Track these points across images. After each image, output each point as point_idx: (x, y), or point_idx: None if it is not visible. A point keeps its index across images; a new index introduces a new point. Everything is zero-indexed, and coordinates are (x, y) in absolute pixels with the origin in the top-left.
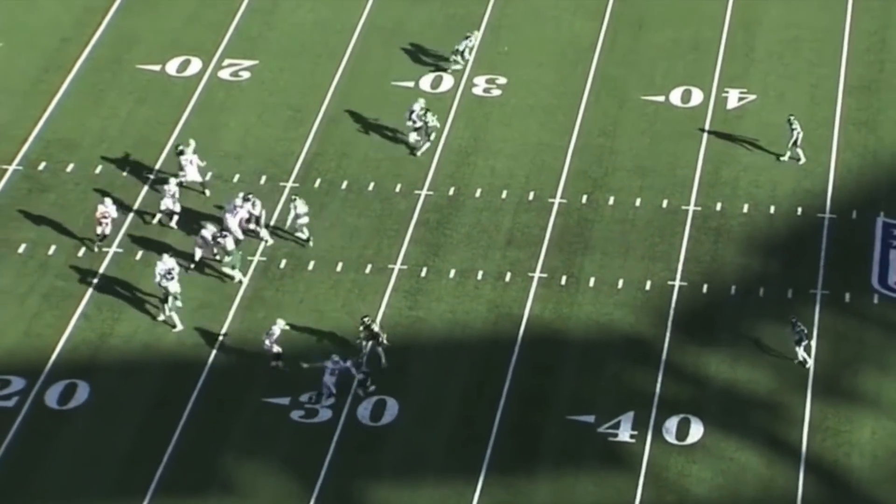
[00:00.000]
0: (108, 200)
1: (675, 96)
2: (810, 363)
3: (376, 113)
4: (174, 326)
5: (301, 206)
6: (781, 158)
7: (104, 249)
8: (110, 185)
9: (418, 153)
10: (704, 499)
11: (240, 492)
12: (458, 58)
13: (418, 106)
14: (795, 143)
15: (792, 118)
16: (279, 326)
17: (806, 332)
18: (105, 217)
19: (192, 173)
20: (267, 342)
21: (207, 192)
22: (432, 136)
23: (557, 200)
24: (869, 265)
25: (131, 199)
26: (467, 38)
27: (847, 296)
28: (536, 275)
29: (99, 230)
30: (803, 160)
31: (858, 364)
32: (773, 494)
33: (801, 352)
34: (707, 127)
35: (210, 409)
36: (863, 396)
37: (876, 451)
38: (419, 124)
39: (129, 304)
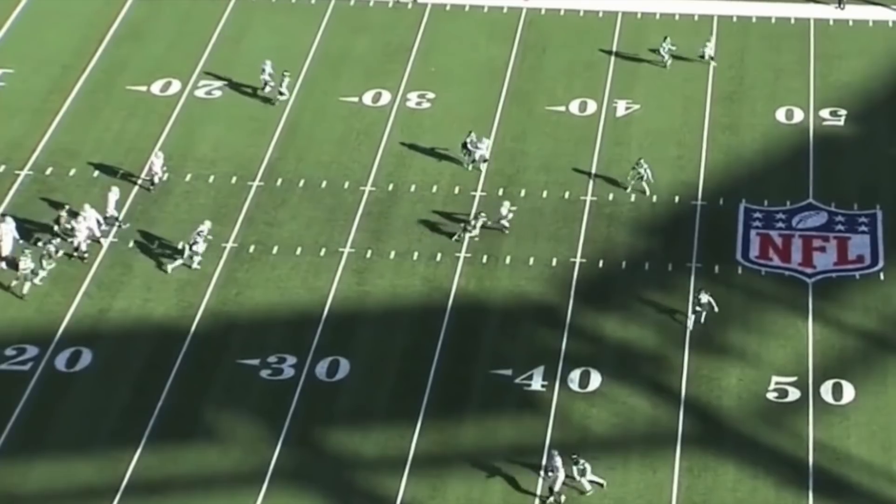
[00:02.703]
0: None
1: (574, 107)
2: (690, 325)
3: (326, 124)
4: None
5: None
6: (627, 190)
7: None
8: (105, 187)
9: (468, 167)
10: (603, 436)
11: (219, 438)
12: (466, 156)
13: (473, 136)
14: (644, 179)
15: (641, 160)
16: (206, 226)
17: (705, 303)
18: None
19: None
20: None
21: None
22: (480, 162)
23: (479, 193)
24: (734, 243)
25: (124, 196)
26: (472, 138)
27: (716, 268)
28: (462, 255)
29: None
30: (648, 193)
31: (726, 324)
32: (658, 431)
33: (691, 318)
34: (600, 132)
35: (192, 370)
36: (730, 350)
37: (741, 393)
38: (471, 150)
39: (124, 285)
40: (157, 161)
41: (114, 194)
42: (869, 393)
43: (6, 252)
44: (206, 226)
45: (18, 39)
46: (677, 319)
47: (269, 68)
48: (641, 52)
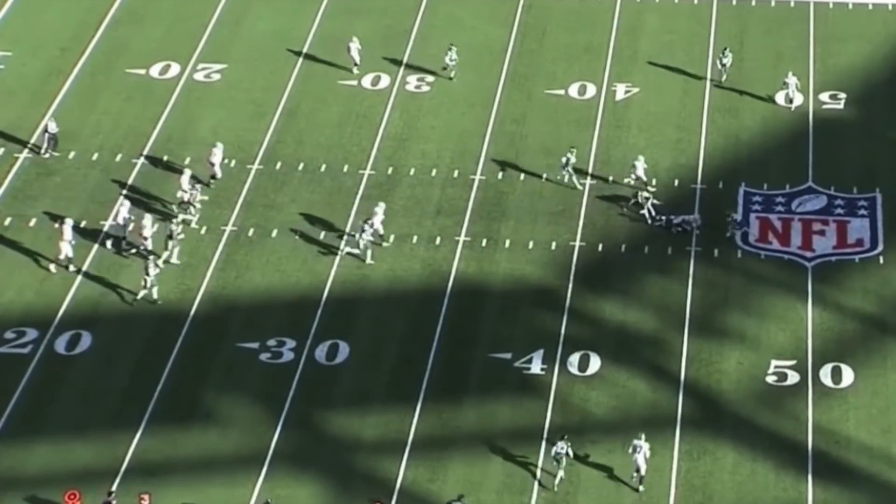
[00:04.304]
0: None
1: (573, 90)
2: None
3: (326, 107)
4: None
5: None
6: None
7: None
8: (105, 169)
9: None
10: (602, 419)
11: (219, 422)
12: (565, 172)
13: (571, 155)
14: (564, 167)
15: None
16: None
17: (738, 219)
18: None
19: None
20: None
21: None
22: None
23: (478, 177)
24: (739, 233)
25: (124, 179)
26: (569, 153)
27: (716, 252)
28: (462, 238)
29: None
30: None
31: (725, 307)
32: (658, 414)
33: (738, 234)
34: (599, 115)
35: (192, 353)
36: (729, 333)
37: (740, 377)
38: (568, 171)
39: (124, 267)
40: (217, 153)
41: (186, 177)
42: (868, 376)
43: (69, 253)
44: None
45: (17, 22)
46: (676, 302)
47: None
48: (641, 37)
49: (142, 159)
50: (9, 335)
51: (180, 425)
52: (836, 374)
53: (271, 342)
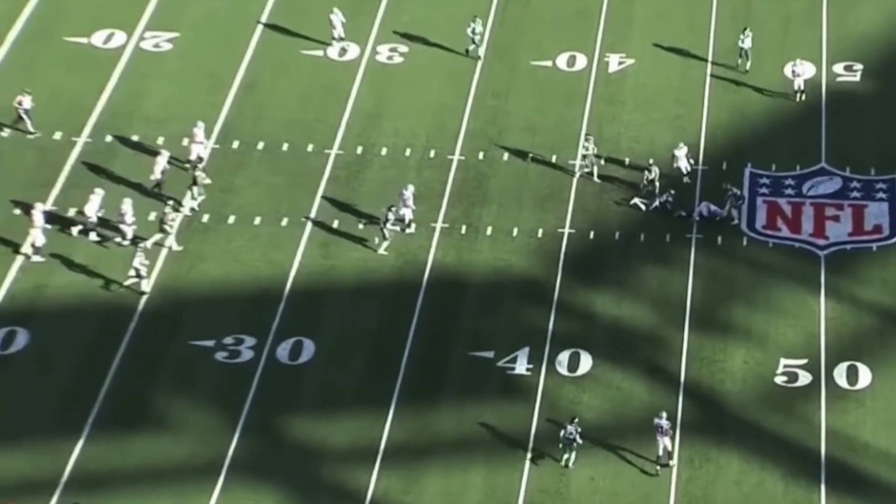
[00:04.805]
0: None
1: (562, 61)
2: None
3: (288, 80)
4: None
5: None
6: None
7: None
8: (42, 148)
9: (588, 175)
10: (594, 423)
11: (170, 427)
12: (583, 161)
13: (589, 144)
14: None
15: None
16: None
17: (739, 193)
18: None
19: None
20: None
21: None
22: (593, 168)
23: (456, 157)
24: (739, 211)
25: (62, 159)
26: (586, 142)
27: (719, 239)
28: (439, 225)
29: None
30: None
31: (730, 300)
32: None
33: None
34: (590, 89)
35: (141, 352)
36: (734, 329)
37: (746, 377)
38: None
39: (65, 256)
40: (198, 133)
41: (163, 158)
42: (887, 377)
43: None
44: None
45: None
46: (676, 295)
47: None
48: (635, 2)
49: (84, 137)
50: None
51: (128, 431)
52: (852, 374)
53: (228, 340)
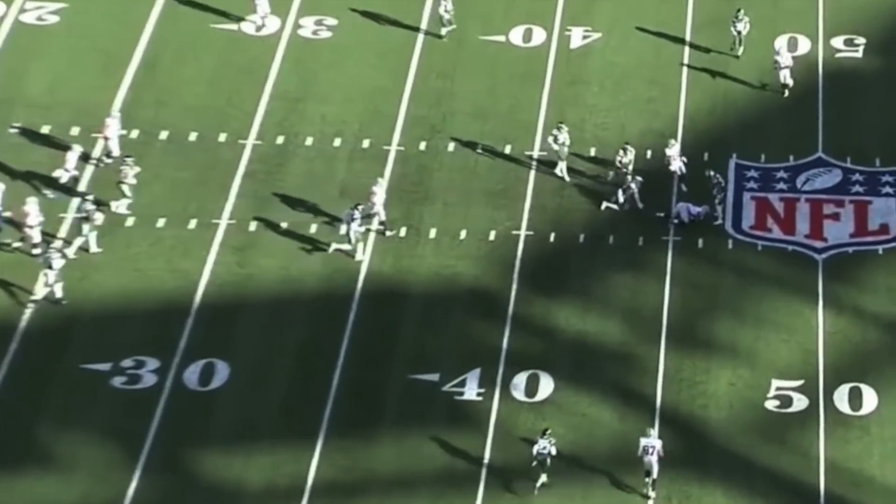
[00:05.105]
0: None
1: (516, 36)
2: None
3: (196, 58)
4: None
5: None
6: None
7: None
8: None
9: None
10: (556, 457)
11: (59, 465)
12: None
13: (562, 134)
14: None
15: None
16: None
17: (722, 184)
18: None
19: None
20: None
21: None
22: (562, 160)
23: (394, 148)
24: (723, 209)
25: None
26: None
27: (700, 241)
28: (374, 227)
29: None
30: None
31: (713, 312)
32: (627, 448)
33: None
34: (550, 68)
35: (22, 377)
36: (718, 346)
37: (732, 402)
38: (556, 147)
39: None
40: (112, 124)
41: (74, 153)
42: (895, 400)
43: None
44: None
45: None
46: (651, 307)
47: None
48: None
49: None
50: None
51: (9, 471)
52: (855, 398)
53: (127, 362)
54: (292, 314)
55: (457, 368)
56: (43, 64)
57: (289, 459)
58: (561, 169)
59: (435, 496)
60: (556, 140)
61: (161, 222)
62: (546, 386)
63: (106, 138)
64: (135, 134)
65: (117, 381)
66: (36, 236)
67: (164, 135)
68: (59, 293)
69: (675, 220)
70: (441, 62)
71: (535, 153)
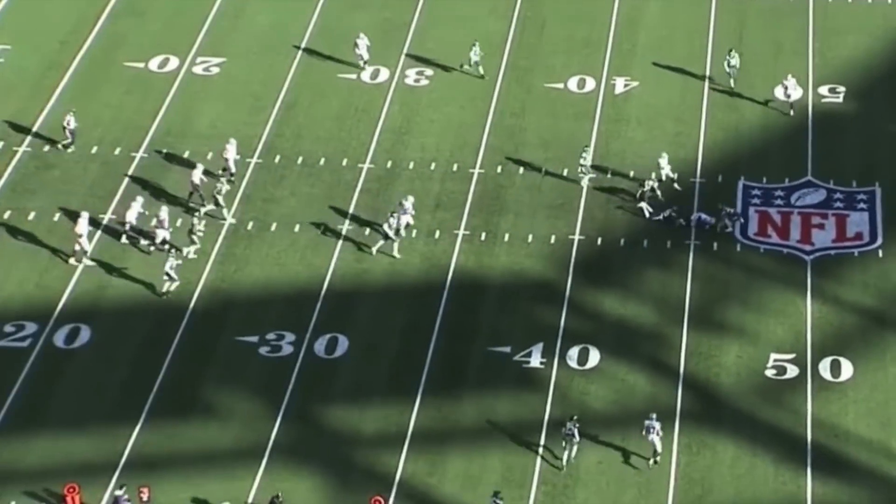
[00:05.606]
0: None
1: (573, 83)
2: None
3: (325, 100)
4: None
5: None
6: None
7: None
8: (105, 163)
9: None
10: (601, 413)
11: (218, 415)
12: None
13: (588, 156)
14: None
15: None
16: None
17: (732, 211)
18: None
19: None
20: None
21: None
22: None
23: (477, 171)
24: (734, 224)
25: (122, 172)
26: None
27: (715, 245)
28: (461, 232)
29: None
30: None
31: (725, 301)
32: (657, 407)
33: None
34: (598, 108)
35: (191, 347)
36: (729, 327)
37: (739, 370)
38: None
39: (123, 261)
40: (230, 149)
41: (198, 171)
42: (867, 370)
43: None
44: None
45: (16, 15)
46: (676, 296)
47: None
48: (639, 30)
49: (141, 152)
50: (8, 328)
51: (180, 419)
52: (836, 368)
53: (270, 336)
54: (397, 300)
55: (524, 342)
56: (207, 105)
57: (394, 413)
58: (584, 182)
59: (505, 441)
60: (584, 161)
61: (297, 227)
62: (594, 357)
63: (225, 159)
64: (277, 159)
65: (263, 350)
66: (160, 237)
67: (300, 160)
68: (171, 288)
69: (694, 225)
70: (513, 104)
71: (588, 175)
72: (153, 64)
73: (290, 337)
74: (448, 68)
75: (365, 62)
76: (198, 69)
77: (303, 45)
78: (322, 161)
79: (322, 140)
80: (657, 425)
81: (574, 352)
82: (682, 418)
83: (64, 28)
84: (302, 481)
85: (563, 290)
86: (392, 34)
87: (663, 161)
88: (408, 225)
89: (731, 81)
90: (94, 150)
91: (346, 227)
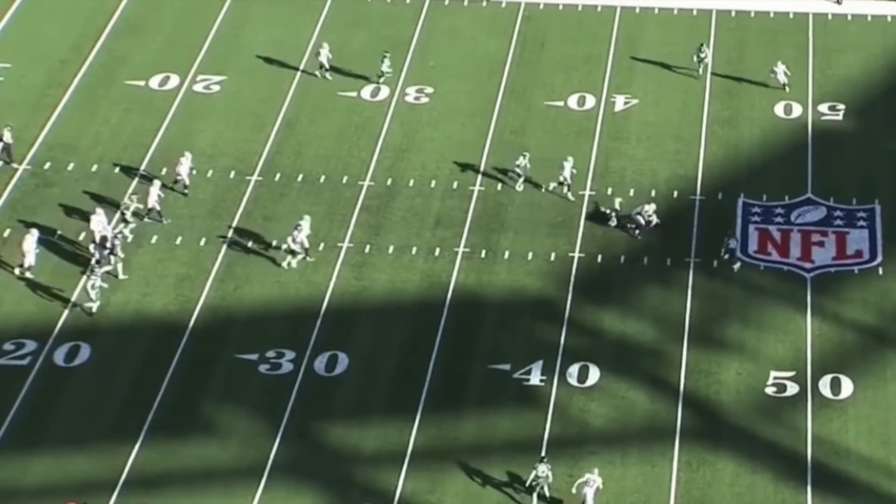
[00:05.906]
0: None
1: (573, 101)
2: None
3: (325, 118)
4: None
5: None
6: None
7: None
8: (105, 181)
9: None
10: (601, 431)
11: (218, 433)
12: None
13: (523, 160)
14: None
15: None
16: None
17: (733, 247)
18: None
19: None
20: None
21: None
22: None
23: (477, 188)
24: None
25: (122, 190)
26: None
27: (715, 263)
28: (461, 250)
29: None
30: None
31: (725, 318)
32: (657, 425)
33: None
34: (598, 126)
35: (191, 365)
36: (728, 344)
37: (739, 388)
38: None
39: (122, 279)
40: (185, 162)
41: (156, 188)
42: (867, 387)
43: (30, 263)
44: None
45: (16, 34)
46: (676, 313)
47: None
48: (639, 48)
49: (141, 170)
50: (8, 347)
51: (179, 437)
52: (836, 386)
53: (270, 353)
54: (397, 317)
55: (524, 360)
56: (208, 122)
57: (394, 431)
58: (519, 184)
59: (506, 459)
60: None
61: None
62: (594, 374)
63: (178, 173)
64: (277, 177)
65: (263, 367)
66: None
67: (300, 177)
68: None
69: (640, 223)
70: (513, 122)
71: (587, 192)
72: (154, 82)
73: (289, 355)
74: (450, 85)
75: (327, 70)
76: (198, 87)
77: (302, 64)
78: (322, 178)
79: (322, 158)
80: (598, 480)
81: (574, 369)
82: (682, 435)
83: (64, 46)
84: (302, 499)
85: (563, 307)
86: (394, 52)
87: (567, 164)
88: (304, 246)
89: (699, 71)
90: (94, 168)
91: (346, 244)
